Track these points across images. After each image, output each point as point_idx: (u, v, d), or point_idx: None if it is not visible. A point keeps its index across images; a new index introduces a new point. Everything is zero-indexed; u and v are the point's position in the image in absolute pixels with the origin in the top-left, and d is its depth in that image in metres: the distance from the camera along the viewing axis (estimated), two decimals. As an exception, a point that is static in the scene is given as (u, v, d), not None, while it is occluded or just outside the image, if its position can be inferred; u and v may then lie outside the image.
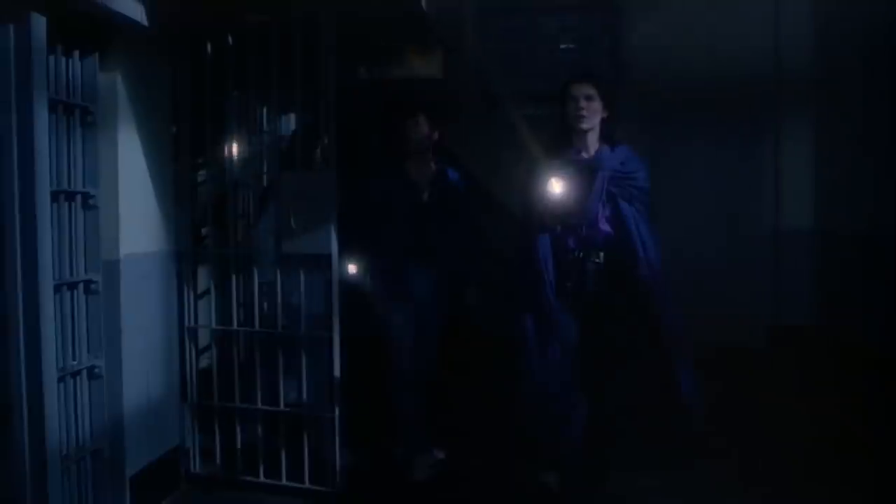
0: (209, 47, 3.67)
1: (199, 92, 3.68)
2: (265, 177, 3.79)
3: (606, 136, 3.55)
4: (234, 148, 3.75)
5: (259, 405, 3.72)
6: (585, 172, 3.45)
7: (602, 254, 3.44)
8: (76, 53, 3.06)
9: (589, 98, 3.46)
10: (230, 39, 3.64)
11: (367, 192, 3.99)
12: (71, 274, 3.07)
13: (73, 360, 3.09)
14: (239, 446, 3.77)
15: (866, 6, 5.43)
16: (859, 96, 5.83)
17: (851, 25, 5.85)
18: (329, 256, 3.56)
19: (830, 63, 6.27)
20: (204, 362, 3.82)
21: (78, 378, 3.11)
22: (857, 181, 5.98)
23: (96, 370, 3.21)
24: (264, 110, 3.84)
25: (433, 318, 4.05)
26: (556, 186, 3.41)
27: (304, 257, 3.61)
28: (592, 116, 3.48)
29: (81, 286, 3.13)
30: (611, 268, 3.45)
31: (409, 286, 3.98)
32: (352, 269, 3.92)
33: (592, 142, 3.53)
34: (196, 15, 3.51)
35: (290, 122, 4.03)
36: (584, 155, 3.53)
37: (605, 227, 3.45)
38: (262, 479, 3.74)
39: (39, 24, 2.74)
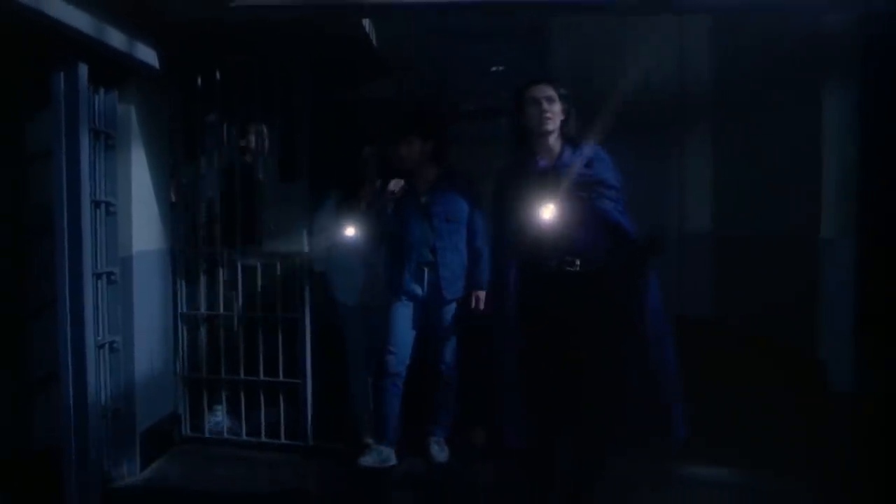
0: (199, 80, 4.53)
1: (192, 117, 4.54)
2: (249, 187, 4.67)
3: (569, 138, 3.51)
4: (222, 163, 4.62)
5: (241, 376, 4.60)
6: (548, 181, 3.42)
7: (578, 262, 3.38)
8: (101, 90, 3.91)
9: (550, 100, 3.44)
10: (217, 74, 4.51)
11: (374, 198, 4.47)
12: (97, 267, 3.91)
13: (98, 336, 3.93)
14: (224, 411, 4.66)
15: (756, 36, 6.51)
16: (751, 114, 6.94)
17: (744, 53, 6.95)
18: (302, 254, 4.48)
19: (726, 85, 7.39)
20: (195, 342, 4.66)
21: (102, 350, 3.96)
22: (750, 188, 7.10)
23: (114, 345, 4.06)
24: (248, 132, 4.71)
25: (438, 314, 4.39)
26: (546, 213, 3.39)
27: (282, 254, 4.51)
28: (556, 118, 3.45)
29: (105, 277, 3.98)
30: (589, 274, 3.40)
31: (412, 283, 4.36)
32: (350, 231, 4.41)
33: (554, 145, 3.50)
34: (191, 55, 4.38)
35: (270, 141, 4.88)
36: (544, 162, 3.49)
37: (580, 234, 3.39)
38: (244, 437, 4.63)
39: (83, 70, 3.61)
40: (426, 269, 4.36)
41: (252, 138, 4.71)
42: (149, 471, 4.29)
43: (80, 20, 3.38)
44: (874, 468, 4.20)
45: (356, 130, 5.23)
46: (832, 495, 3.94)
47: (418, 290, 4.37)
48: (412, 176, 4.39)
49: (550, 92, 3.45)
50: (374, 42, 5.36)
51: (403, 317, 4.37)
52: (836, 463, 4.34)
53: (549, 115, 3.42)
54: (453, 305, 4.40)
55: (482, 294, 4.35)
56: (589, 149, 3.48)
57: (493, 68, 8.05)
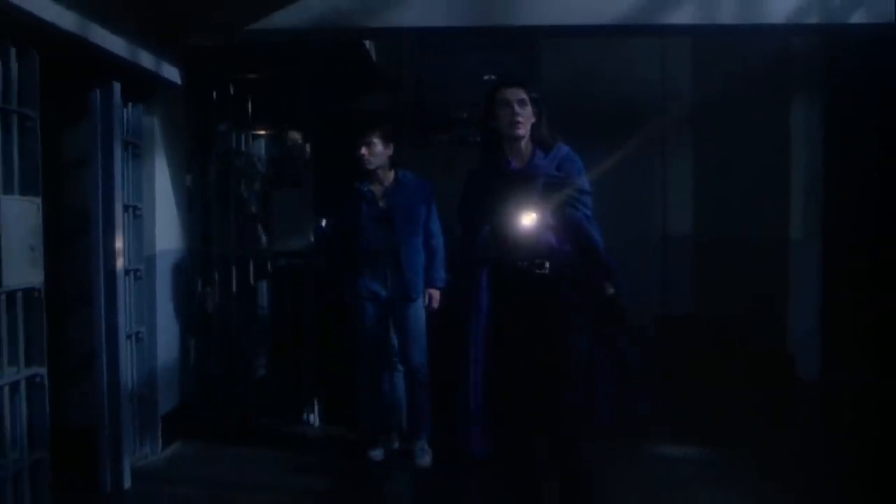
0: (214, 94, 5.00)
1: (207, 128, 5.02)
2: (259, 192, 5.15)
3: (539, 141, 3.47)
4: (234, 170, 5.10)
5: (255, 366, 5.08)
6: (519, 182, 3.43)
7: (548, 263, 3.39)
8: (129, 105, 4.37)
9: (522, 103, 3.39)
10: (231, 89, 4.99)
11: (335, 203, 4.72)
12: (127, 264, 4.37)
13: (127, 327, 4.39)
14: (234, 398, 5.14)
15: (732, 54, 7.01)
16: (728, 125, 7.44)
17: (721, 69, 7.45)
18: (308, 252, 4.96)
19: (705, 96, 7.88)
20: (209, 334, 5.13)
21: (129, 340, 4.42)
22: (726, 193, 7.60)
23: (140, 335, 4.53)
24: (257, 142, 5.19)
25: (404, 315, 4.58)
26: (516, 215, 3.42)
27: (290, 253, 4.99)
28: (527, 122, 3.41)
29: (132, 273, 4.44)
30: (557, 275, 3.40)
31: (376, 285, 4.56)
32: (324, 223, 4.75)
33: (526, 148, 3.46)
34: (207, 72, 4.86)
35: (277, 150, 5.37)
36: (516, 164, 3.47)
37: (549, 236, 3.41)
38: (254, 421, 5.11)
39: (117, 88, 4.09)
40: (387, 271, 4.55)
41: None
42: (169, 450, 4.77)
43: (116, 45, 3.87)
44: (838, 449, 4.68)
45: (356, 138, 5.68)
46: (799, 471, 4.44)
47: (381, 292, 4.58)
48: (373, 179, 4.57)
49: (522, 94, 3.40)
50: (374, 57, 5.84)
51: (368, 318, 4.58)
52: (803, 445, 4.85)
53: (520, 118, 3.38)
54: (419, 304, 4.61)
55: (436, 293, 4.67)
56: (560, 151, 3.47)
57: (486, 77, 8.53)
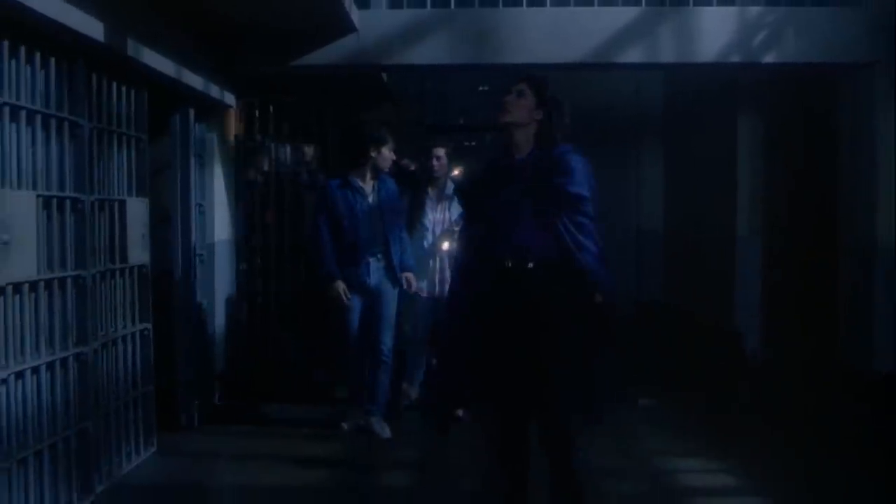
0: (258, 113, 6.40)
1: (252, 140, 6.42)
2: (293, 193, 6.55)
3: (545, 138, 3.49)
4: (272, 174, 6.49)
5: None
6: (508, 177, 3.50)
7: (531, 264, 3.40)
8: (196, 123, 5.75)
9: (519, 93, 3.45)
10: (271, 108, 6.38)
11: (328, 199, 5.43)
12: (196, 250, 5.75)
13: (196, 299, 5.76)
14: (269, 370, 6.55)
15: (695, 79, 8.39)
16: (691, 137, 8.86)
17: (686, 90, 8.86)
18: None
19: (674, 111, 9.30)
20: (253, 307, 6.52)
21: (198, 310, 5.80)
22: (690, 195, 9.00)
23: (203, 306, 5.89)
24: (290, 151, 6.59)
25: (385, 301, 5.36)
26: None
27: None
28: (518, 111, 3.45)
29: (199, 257, 5.81)
30: (545, 276, 3.40)
31: (364, 275, 5.35)
32: None
33: (524, 143, 3.50)
34: (254, 96, 6.27)
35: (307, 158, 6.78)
36: (519, 157, 3.51)
37: (533, 234, 3.43)
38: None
39: (192, 113, 5.47)
40: (374, 261, 5.36)
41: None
42: (224, 402, 6.15)
43: (196, 81, 5.26)
44: (775, 408, 6.11)
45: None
46: (728, 417, 5.91)
47: (368, 280, 5.39)
48: (364, 177, 5.40)
49: (521, 86, 3.48)
50: (385, 78, 7.26)
51: (357, 307, 5.39)
52: (746, 406, 6.37)
53: (507, 106, 3.46)
54: (396, 292, 5.41)
55: (411, 275, 5.46)
56: (559, 150, 3.48)
57: (481, 88, 9.93)
